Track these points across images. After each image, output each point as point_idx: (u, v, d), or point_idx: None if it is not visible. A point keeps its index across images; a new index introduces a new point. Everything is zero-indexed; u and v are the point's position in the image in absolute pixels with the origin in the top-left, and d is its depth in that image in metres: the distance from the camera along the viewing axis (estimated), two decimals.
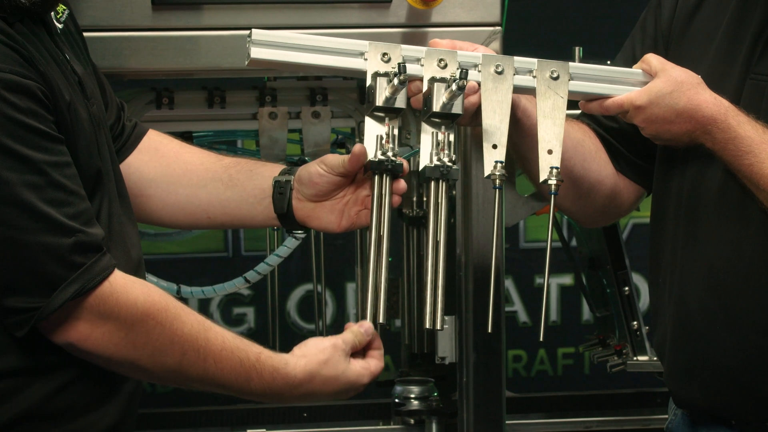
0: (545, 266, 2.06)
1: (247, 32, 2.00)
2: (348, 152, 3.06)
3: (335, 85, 2.84)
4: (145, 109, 2.77)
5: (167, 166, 2.22)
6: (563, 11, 4.69)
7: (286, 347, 1.93)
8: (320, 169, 2.13)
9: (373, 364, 2.03)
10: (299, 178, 2.17)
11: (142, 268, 2.03)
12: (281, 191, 2.17)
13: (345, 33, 2.49)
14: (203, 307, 4.68)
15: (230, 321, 4.69)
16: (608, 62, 2.66)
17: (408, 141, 2.81)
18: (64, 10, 2.01)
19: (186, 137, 2.89)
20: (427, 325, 2.01)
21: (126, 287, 1.83)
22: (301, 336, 4.71)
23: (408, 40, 2.50)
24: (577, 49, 3.01)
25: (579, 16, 4.68)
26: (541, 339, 2.07)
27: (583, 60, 3.01)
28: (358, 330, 2.02)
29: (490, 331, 2.06)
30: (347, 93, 2.84)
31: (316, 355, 1.98)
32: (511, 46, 2.56)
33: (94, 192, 1.90)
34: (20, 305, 1.78)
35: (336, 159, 2.13)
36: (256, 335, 4.66)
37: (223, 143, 2.97)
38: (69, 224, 1.77)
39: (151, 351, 1.85)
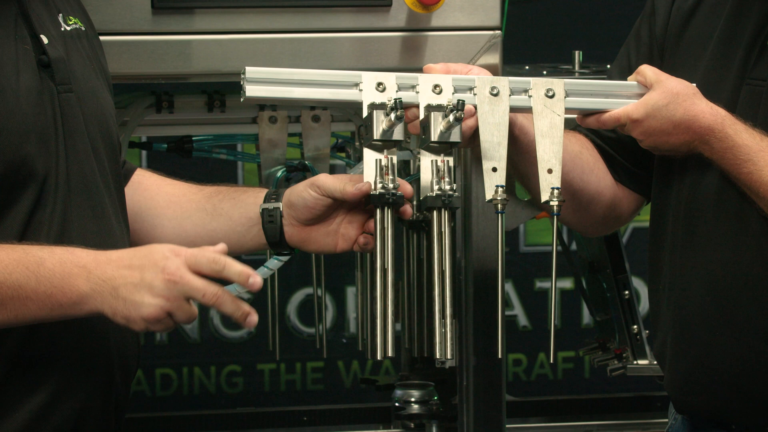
0: (551, 280, 2.06)
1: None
2: (348, 156, 3.07)
3: None
4: (144, 113, 2.77)
5: (150, 199, 2.19)
6: (563, 15, 4.69)
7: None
8: (314, 192, 2.09)
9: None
10: (290, 204, 2.13)
11: None
12: (271, 220, 2.13)
13: (346, 37, 2.49)
14: (203, 311, 4.69)
15: (230, 325, 4.69)
16: (608, 66, 2.66)
17: (408, 145, 2.81)
18: (75, 22, 2.02)
19: (186, 141, 2.89)
20: (438, 356, 2.02)
21: None
22: (302, 340, 4.74)
23: (408, 44, 2.50)
24: (576, 53, 3.00)
25: (579, 19, 4.68)
26: (551, 361, 2.09)
27: (582, 63, 3.02)
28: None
29: (500, 356, 2.07)
30: None
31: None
32: (511, 51, 2.56)
33: (11, 180, 1.84)
34: None
35: (331, 183, 2.08)
36: (256, 339, 4.69)
37: (222, 147, 2.97)
38: None
39: None
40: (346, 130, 2.99)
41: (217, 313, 4.68)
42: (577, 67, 3.00)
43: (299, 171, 2.84)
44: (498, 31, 2.54)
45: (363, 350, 3.15)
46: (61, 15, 2.02)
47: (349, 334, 4.71)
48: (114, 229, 1.98)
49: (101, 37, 2.18)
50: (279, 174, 2.84)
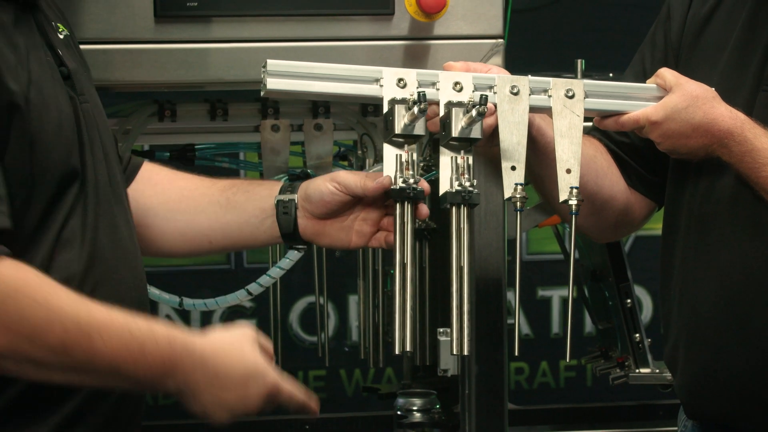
0: (569, 292, 2.07)
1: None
2: (350, 165, 3.07)
3: None
4: (147, 122, 2.77)
5: (163, 194, 2.18)
6: (565, 24, 4.70)
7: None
8: (332, 187, 2.09)
9: (280, 376, 1.89)
10: (306, 197, 2.13)
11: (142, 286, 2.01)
12: (286, 211, 2.13)
13: (349, 45, 2.49)
14: (206, 320, 4.68)
15: None
16: (610, 75, 2.66)
17: None
18: (64, 30, 2.01)
19: (188, 149, 2.89)
20: (454, 351, 2.02)
21: None
22: (304, 348, 4.73)
23: (411, 52, 2.50)
24: (579, 61, 3.01)
25: (581, 28, 4.69)
26: (567, 360, 2.10)
27: (585, 72, 3.02)
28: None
29: (516, 354, 2.08)
30: (349, 105, 2.84)
31: (220, 333, 1.86)
32: (513, 59, 2.56)
33: (61, 194, 1.83)
34: None
35: (351, 179, 2.09)
36: None
37: (225, 155, 2.97)
38: None
39: (29, 330, 1.68)
40: (349, 139, 2.99)
41: (219, 322, 4.68)
42: (579, 76, 3.00)
43: (301, 179, 2.84)
44: (501, 40, 2.54)
45: (365, 358, 3.14)
46: (53, 23, 1.98)
47: (351, 342, 4.71)
48: (123, 234, 1.98)
49: (104, 46, 2.18)
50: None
